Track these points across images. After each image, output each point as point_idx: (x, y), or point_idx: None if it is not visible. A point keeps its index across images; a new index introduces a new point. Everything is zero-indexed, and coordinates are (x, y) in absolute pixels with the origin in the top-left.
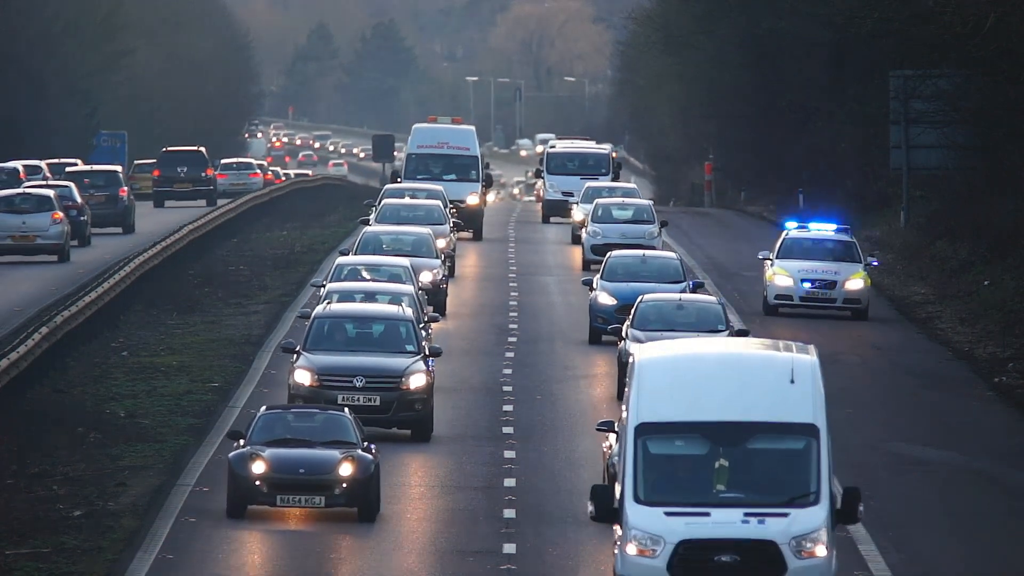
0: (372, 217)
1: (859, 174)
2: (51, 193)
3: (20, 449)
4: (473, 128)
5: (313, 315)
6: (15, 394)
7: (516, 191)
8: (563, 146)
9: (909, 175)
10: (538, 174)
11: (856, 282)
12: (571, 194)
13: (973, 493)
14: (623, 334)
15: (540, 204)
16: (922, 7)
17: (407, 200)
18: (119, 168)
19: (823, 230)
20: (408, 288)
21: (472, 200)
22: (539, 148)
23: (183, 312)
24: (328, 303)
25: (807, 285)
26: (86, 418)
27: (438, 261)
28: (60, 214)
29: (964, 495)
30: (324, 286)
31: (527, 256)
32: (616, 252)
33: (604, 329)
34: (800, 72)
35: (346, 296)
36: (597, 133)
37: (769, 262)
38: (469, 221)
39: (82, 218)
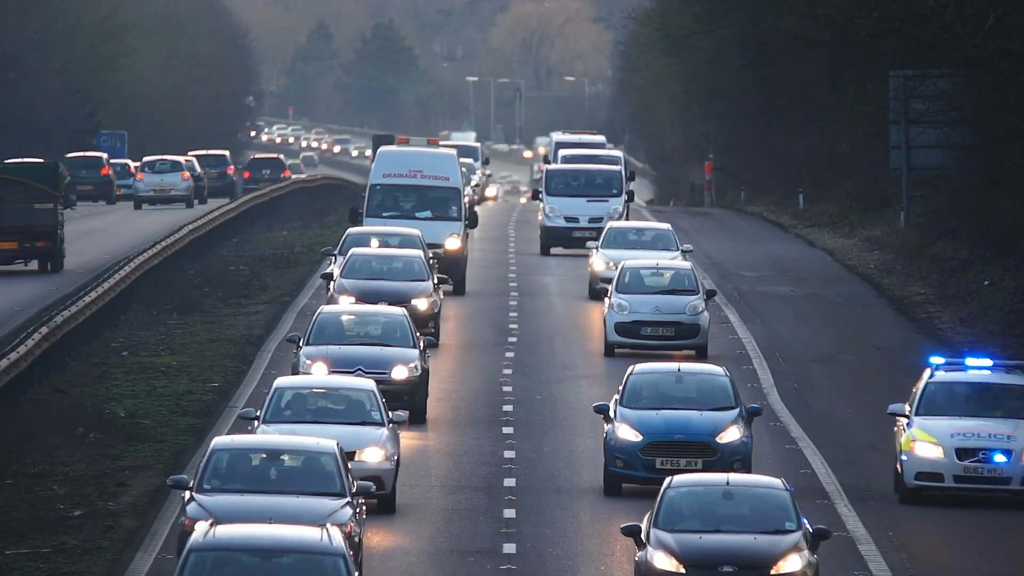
0: (337, 271)
1: (859, 174)
2: (182, 159)
3: (20, 449)
4: (454, 152)
5: (212, 446)
6: (15, 394)
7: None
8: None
9: (909, 175)
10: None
11: None
12: (575, 220)
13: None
14: (644, 536)
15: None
16: (922, 7)
17: (378, 249)
18: (227, 152)
19: (983, 368)
20: (382, 432)
21: (452, 244)
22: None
23: (183, 312)
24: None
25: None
26: (86, 418)
27: (415, 352)
28: (188, 174)
29: (964, 495)
30: (257, 418)
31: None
32: (640, 366)
33: (624, 476)
34: (800, 72)
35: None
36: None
37: (905, 421)
38: (449, 270)
39: (199, 183)
